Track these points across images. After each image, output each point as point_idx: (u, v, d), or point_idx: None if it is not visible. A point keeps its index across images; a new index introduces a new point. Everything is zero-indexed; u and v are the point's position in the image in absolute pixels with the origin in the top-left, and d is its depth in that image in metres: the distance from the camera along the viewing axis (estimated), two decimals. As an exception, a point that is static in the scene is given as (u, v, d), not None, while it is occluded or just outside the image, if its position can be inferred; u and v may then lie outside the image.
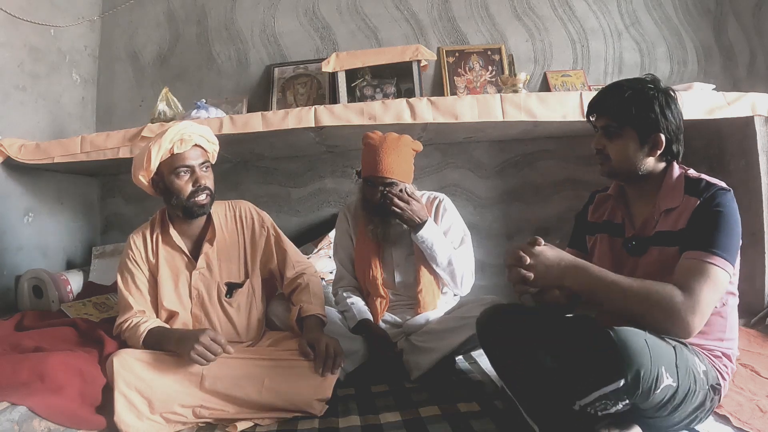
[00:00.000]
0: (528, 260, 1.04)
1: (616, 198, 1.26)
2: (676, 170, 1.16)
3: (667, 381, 0.95)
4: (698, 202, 1.07)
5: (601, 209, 1.31)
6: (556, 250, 1.08)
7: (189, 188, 1.43)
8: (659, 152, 1.14)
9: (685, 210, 1.09)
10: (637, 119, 1.12)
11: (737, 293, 1.15)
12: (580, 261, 1.07)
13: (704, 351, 1.10)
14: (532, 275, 1.04)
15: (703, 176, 1.13)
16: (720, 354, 1.12)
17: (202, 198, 1.44)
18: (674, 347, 1.00)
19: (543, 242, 1.08)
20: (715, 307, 1.07)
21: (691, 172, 1.16)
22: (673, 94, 1.15)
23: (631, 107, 1.12)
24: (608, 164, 1.18)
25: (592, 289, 1.03)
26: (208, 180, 1.46)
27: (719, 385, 1.10)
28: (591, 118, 1.22)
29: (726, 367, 1.12)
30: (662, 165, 1.17)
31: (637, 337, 0.93)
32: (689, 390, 1.01)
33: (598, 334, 0.95)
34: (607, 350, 0.92)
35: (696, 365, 1.04)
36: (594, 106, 1.20)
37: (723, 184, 1.10)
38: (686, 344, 1.06)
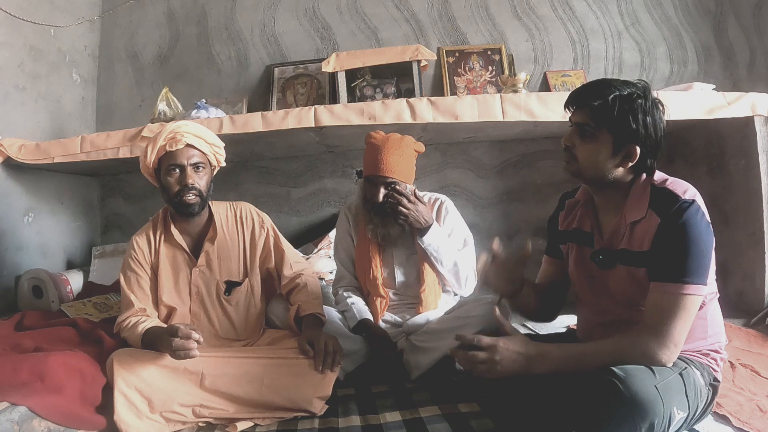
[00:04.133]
0: (491, 363, 1.01)
1: (584, 205, 1.21)
2: (643, 176, 1.10)
3: (679, 416, 0.94)
4: (660, 222, 1.01)
5: (571, 216, 1.26)
6: (518, 339, 1.05)
7: (176, 186, 1.46)
8: (631, 164, 1.06)
9: (649, 228, 1.03)
10: (616, 125, 1.04)
11: (715, 288, 1.12)
12: (541, 348, 1.04)
13: (693, 355, 1.09)
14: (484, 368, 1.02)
15: (668, 184, 1.06)
16: (707, 351, 1.11)
17: (188, 197, 1.46)
18: (681, 373, 0.99)
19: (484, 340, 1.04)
20: None
21: (657, 177, 1.09)
22: (660, 106, 1.07)
23: (614, 111, 1.03)
24: (575, 165, 1.11)
25: (562, 369, 1.02)
26: (197, 180, 1.47)
27: (717, 381, 1.10)
28: (569, 110, 1.13)
29: (715, 360, 1.11)
30: (631, 176, 1.10)
31: (647, 386, 0.90)
32: (698, 407, 1.02)
33: (603, 385, 0.91)
34: (616, 405, 0.89)
35: (699, 379, 1.04)
36: (576, 98, 1.10)
37: (687, 196, 1.02)
38: (684, 359, 1.05)
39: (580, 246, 1.21)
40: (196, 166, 1.48)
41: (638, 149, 1.05)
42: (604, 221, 1.17)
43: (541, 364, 1.03)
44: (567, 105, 1.13)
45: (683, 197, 1.02)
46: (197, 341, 1.23)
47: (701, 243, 0.99)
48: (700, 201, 1.03)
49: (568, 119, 1.14)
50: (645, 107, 1.04)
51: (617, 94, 1.04)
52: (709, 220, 1.03)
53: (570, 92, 1.13)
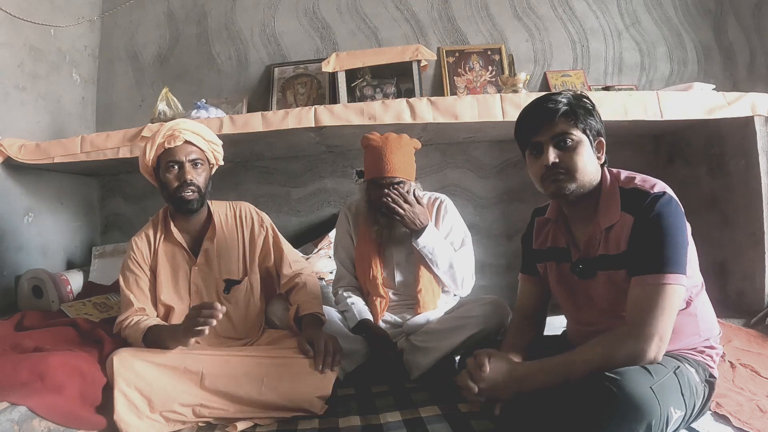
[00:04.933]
0: (475, 389, 1.04)
1: (555, 222, 1.21)
2: (608, 178, 1.12)
3: (676, 415, 0.94)
4: (633, 219, 1.03)
5: (543, 234, 1.26)
6: (503, 364, 1.06)
7: (175, 183, 1.48)
8: (603, 157, 1.14)
9: (624, 229, 1.05)
10: (586, 122, 1.09)
11: (701, 281, 1.12)
12: (526, 368, 1.06)
13: (688, 352, 1.09)
14: (482, 399, 1.06)
15: (636, 182, 1.08)
16: (702, 348, 1.11)
17: (188, 193, 1.47)
18: (675, 371, 0.98)
19: (487, 360, 1.06)
20: (681, 310, 1.04)
21: (624, 178, 1.11)
22: None
23: (580, 110, 1.09)
24: (569, 177, 1.08)
25: (553, 383, 1.02)
26: (196, 176, 1.49)
27: (713, 377, 1.10)
28: (533, 134, 1.12)
29: (710, 356, 1.11)
30: (600, 172, 1.13)
31: (642, 388, 0.89)
32: (695, 405, 1.01)
33: (598, 388, 0.91)
34: (612, 408, 0.89)
35: (693, 376, 1.03)
36: (541, 117, 1.10)
37: (657, 189, 1.04)
38: (677, 357, 1.05)
39: (559, 263, 1.21)
40: (194, 163, 1.50)
41: (603, 140, 1.13)
42: (578, 233, 1.17)
43: (529, 384, 1.03)
44: (531, 130, 1.12)
45: (653, 191, 1.04)
46: (221, 311, 1.23)
47: (676, 232, 1.00)
48: (671, 192, 1.04)
49: (531, 147, 1.14)
50: (592, 103, 1.13)
51: (571, 97, 1.11)
52: (683, 210, 1.04)
53: (523, 122, 1.14)
